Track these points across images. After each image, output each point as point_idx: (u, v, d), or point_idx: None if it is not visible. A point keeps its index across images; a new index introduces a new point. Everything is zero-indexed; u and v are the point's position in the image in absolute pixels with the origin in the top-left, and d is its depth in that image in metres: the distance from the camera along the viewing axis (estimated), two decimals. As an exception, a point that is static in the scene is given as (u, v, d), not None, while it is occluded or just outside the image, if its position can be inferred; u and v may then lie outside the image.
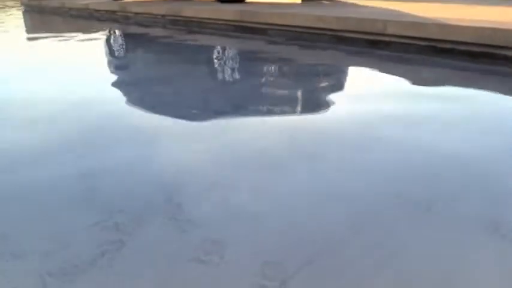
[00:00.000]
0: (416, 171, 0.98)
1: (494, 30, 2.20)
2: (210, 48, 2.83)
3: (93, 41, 3.25)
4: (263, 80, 1.91)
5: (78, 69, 2.20)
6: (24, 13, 6.57)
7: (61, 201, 0.88)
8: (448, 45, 2.42)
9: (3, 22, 5.04)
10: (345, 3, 4.19)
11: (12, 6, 8.17)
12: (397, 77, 1.89)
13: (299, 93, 1.67)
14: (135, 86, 1.84)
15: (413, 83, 1.78)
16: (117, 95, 1.70)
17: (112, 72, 2.14)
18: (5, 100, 1.64)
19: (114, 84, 1.86)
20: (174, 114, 1.43)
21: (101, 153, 1.12)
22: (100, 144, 1.18)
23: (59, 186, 0.95)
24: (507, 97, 1.56)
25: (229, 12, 3.74)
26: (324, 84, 1.81)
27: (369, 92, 1.66)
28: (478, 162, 1.03)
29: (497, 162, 1.02)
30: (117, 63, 2.36)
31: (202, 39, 3.24)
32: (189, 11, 4.19)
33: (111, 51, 2.79)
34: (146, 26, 4.25)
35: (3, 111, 1.50)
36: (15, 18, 5.54)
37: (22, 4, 8.41)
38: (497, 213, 0.80)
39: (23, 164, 1.07)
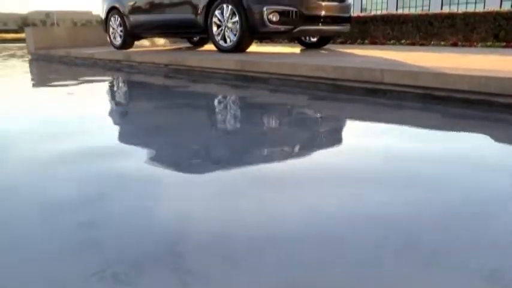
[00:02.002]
0: (419, 218, 0.98)
1: (489, 79, 2.26)
2: (211, 97, 2.90)
3: (97, 90, 3.33)
4: (264, 128, 1.94)
5: (78, 117, 2.25)
6: (31, 61, 6.76)
7: (59, 251, 0.88)
8: (444, 93, 2.48)
9: (10, 70, 5.18)
10: (343, 53, 4.32)
11: (21, 56, 8.43)
12: (395, 124, 1.93)
13: (298, 141, 1.69)
14: (136, 134, 1.87)
15: (411, 129, 1.81)
16: (118, 143, 1.72)
17: (114, 120, 2.18)
18: (6, 148, 1.66)
19: (115, 133, 1.89)
20: (175, 163, 1.45)
21: (101, 202, 1.12)
22: (99, 192, 1.19)
23: (57, 236, 0.94)
24: (505, 142, 1.58)
25: (230, 62, 3.85)
26: (323, 131, 1.83)
27: (368, 138, 1.68)
28: (481, 206, 1.03)
29: (502, 207, 1.02)
30: (120, 112, 2.41)
31: (204, 88, 3.32)
32: (192, 60, 4.32)
33: (114, 99, 2.85)
34: (149, 75, 4.37)
35: (4, 159, 1.51)
36: (22, 66, 5.70)
37: (29, 53, 8.68)
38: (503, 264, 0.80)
39: (21, 213, 1.07)
